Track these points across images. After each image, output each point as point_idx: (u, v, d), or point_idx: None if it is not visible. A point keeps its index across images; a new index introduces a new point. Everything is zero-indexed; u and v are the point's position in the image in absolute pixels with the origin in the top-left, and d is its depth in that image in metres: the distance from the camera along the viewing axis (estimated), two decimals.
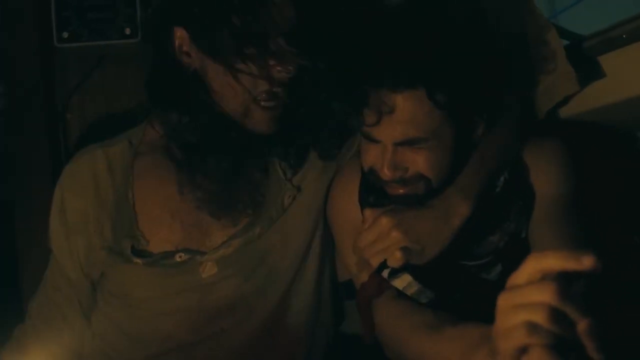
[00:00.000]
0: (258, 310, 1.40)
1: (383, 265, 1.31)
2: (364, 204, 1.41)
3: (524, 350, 0.76)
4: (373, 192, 1.38)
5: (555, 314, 0.73)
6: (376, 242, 1.29)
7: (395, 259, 1.27)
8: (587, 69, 1.58)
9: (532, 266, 0.77)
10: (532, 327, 0.74)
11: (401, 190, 1.30)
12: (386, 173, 1.27)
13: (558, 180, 1.38)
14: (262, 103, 1.31)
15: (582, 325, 0.73)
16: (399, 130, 1.23)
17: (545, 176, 1.38)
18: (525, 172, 1.39)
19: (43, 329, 1.45)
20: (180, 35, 1.30)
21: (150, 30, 1.37)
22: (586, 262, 0.74)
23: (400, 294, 1.34)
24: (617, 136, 1.71)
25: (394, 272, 1.34)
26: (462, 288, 1.38)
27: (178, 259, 1.38)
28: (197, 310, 1.38)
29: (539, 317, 0.73)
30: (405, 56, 1.20)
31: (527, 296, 0.75)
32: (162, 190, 1.40)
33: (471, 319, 1.10)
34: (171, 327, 1.38)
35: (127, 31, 1.69)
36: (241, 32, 1.24)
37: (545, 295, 0.74)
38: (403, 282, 1.34)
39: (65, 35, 1.68)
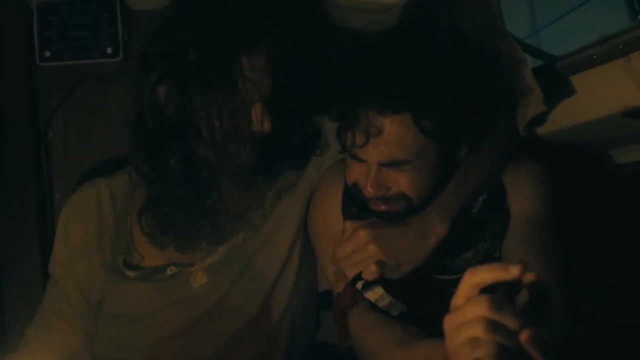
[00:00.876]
0: (243, 311, 1.45)
1: (358, 277, 1.34)
2: (346, 214, 1.44)
3: None
4: (356, 204, 1.41)
5: (493, 325, 0.77)
6: (353, 254, 1.33)
7: (370, 272, 1.31)
8: (559, 88, 1.62)
9: (468, 283, 0.81)
10: (474, 342, 0.77)
11: (382, 207, 1.32)
12: (369, 191, 1.29)
13: (533, 202, 1.41)
14: (243, 143, 1.37)
15: (522, 335, 0.76)
16: (385, 151, 1.25)
17: (521, 198, 1.41)
18: (503, 194, 1.42)
19: (43, 354, 1.47)
20: (165, 92, 1.36)
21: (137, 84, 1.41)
22: (513, 271, 0.78)
23: (372, 306, 1.37)
24: (591, 154, 1.75)
25: (367, 285, 1.37)
26: (433, 301, 1.40)
27: (169, 272, 1.45)
28: (187, 315, 1.43)
29: (478, 331, 0.77)
30: (392, 82, 1.23)
31: (466, 314, 0.79)
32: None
33: (441, 332, 1.13)
34: (163, 334, 1.43)
35: (109, 50, 1.70)
36: (219, 102, 1.32)
37: (480, 309, 0.77)
38: (375, 294, 1.37)
39: (48, 54, 1.68)
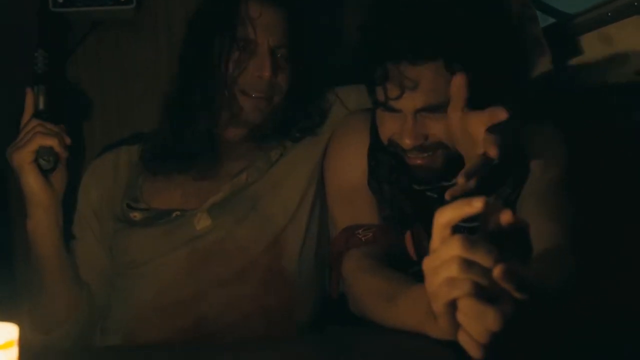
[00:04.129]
0: (249, 252, 1.47)
1: None
2: (374, 171, 1.44)
3: (454, 306, 0.80)
4: (390, 158, 1.41)
5: (468, 264, 0.78)
6: None
7: None
8: (572, 47, 1.63)
9: (438, 224, 0.83)
10: (451, 282, 0.78)
11: (420, 161, 1.33)
12: (407, 142, 1.30)
13: (551, 161, 1.41)
14: (250, 93, 1.49)
15: (495, 271, 0.76)
16: (421, 99, 1.26)
17: (540, 155, 1.41)
18: (522, 147, 1.41)
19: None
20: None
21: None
22: (476, 204, 0.80)
23: (367, 254, 1.37)
24: (605, 113, 1.75)
25: None
26: None
27: (174, 216, 1.49)
28: (191, 257, 1.46)
29: (453, 270, 0.78)
30: (423, 30, 1.23)
31: (441, 255, 0.80)
32: (169, 170, 1.55)
33: None
34: (168, 278, 1.46)
35: None
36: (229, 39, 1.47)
37: (453, 249, 0.78)
38: None
39: (61, 0, 1.66)
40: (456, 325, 0.82)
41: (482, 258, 0.77)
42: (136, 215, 1.52)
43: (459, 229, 1.38)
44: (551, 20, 1.74)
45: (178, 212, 1.50)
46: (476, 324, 0.79)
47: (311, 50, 1.57)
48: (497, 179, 1.40)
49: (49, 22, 1.65)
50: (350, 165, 1.48)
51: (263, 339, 1.41)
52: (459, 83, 1.19)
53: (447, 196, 1.19)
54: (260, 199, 1.52)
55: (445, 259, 0.79)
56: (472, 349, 0.81)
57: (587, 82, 1.64)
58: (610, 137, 1.69)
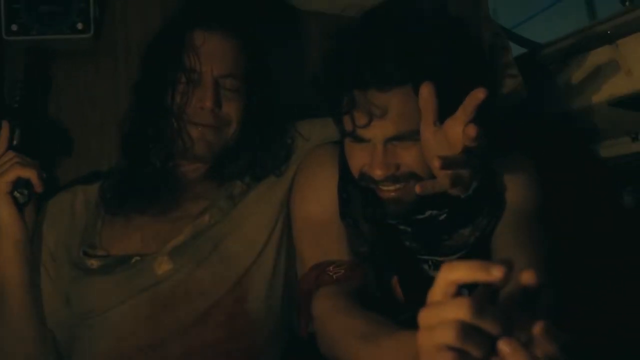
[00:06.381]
0: (212, 295, 1.41)
1: None
2: (345, 205, 1.40)
3: None
4: (364, 194, 1.36)
5: (467, 331, 0.69)
6: None
7: None
8: (544, 76, 1.61)
9: (444, 279, 0.73)
10: (444, 351, 0.70)
11: (393, 192, 1.29)
12: (378, 173, 1.25)
13: (524, 193, 1.38)
14: (196, 124, 1.44)
15: (536, 328, 0.69)
16: (390, 127, 1.22)
17: (512, 187, 1.38)
18: (495, 178, 1.37)
19: None
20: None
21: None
22: (495, 273, 0.70)
23: (338, 292, 1.30)
24: (576, 144, 1.72)
25: None
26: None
27: (133, 262, 1.42)
28: (150, 300, 1.39)
29: (449, 336, 0.69)
30: (393, 56, 1.19)
31: (442, 313, 0.71)
32: (128, 210, 1.48)
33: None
34: (129, 324, 1.38)
35: (80, 26, 1.60)
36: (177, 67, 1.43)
37: (459, 311, 0.70)
38: None
39: (15, 27, 1.59)
40: None
41: (490, 325, 0.69)
42: (93, 263, 1.43)
43: None
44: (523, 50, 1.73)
45: (138, 258, 1.42)
46: None
47: (267, 81, 1.51)
48: (473, 210, 1.36)
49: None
50: (318, 199, 1.42)
51: None
52: (426, 93, 1.13)
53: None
54: (223, 240, 1.46)
55: (445, 319, 0.70)
56: None
57: (556, 110, 1.61)
58: (578, 164, 1.66)
